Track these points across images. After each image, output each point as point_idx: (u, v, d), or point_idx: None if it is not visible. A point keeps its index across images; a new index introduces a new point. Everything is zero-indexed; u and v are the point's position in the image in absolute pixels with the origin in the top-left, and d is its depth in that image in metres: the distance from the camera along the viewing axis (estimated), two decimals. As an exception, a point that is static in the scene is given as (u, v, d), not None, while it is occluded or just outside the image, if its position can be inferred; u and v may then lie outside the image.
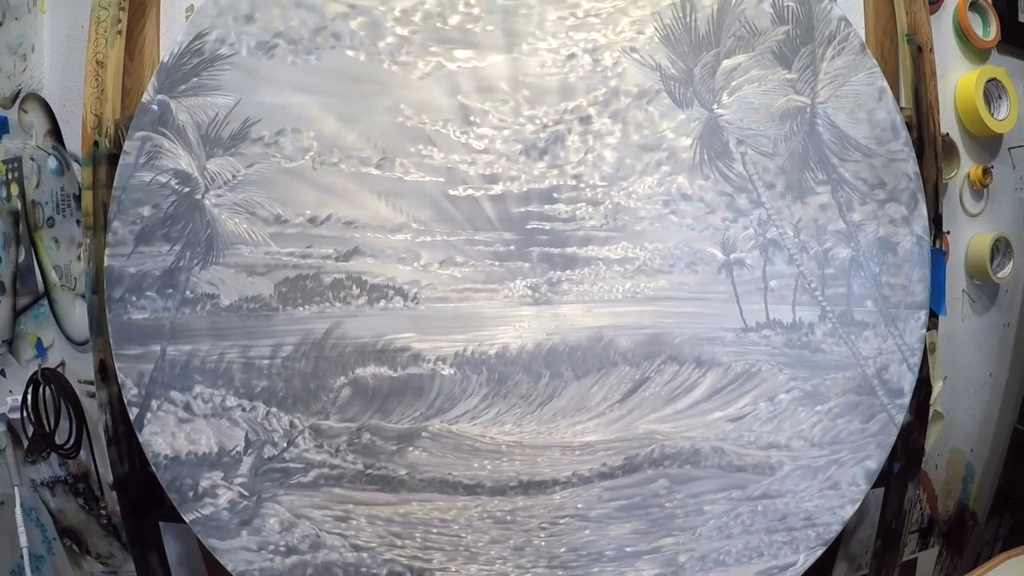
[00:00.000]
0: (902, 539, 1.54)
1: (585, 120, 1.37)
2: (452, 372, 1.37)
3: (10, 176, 1.63)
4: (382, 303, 1.36)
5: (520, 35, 1.36)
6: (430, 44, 1.35)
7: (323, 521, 1.37)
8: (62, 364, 1.66)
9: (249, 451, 1.36)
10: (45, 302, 1.66)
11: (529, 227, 1.37)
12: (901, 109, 1.44)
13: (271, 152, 1.34)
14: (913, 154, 1.41)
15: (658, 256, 1.38)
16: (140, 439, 1.35)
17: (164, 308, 1.34)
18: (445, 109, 1.35)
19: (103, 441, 1.42)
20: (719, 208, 1.39)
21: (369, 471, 1.37)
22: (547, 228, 1.37)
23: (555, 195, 1.37)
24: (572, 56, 1.36)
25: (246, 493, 1.36)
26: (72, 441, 1.60)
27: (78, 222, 1.59)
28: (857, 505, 1.42)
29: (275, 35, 1.34)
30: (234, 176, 1.34)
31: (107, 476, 1.58)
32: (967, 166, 1.80)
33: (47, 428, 1.60)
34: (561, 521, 1.38)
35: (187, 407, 1.35)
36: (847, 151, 1.40)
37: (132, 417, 1.34)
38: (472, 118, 1.36)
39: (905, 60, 1.51)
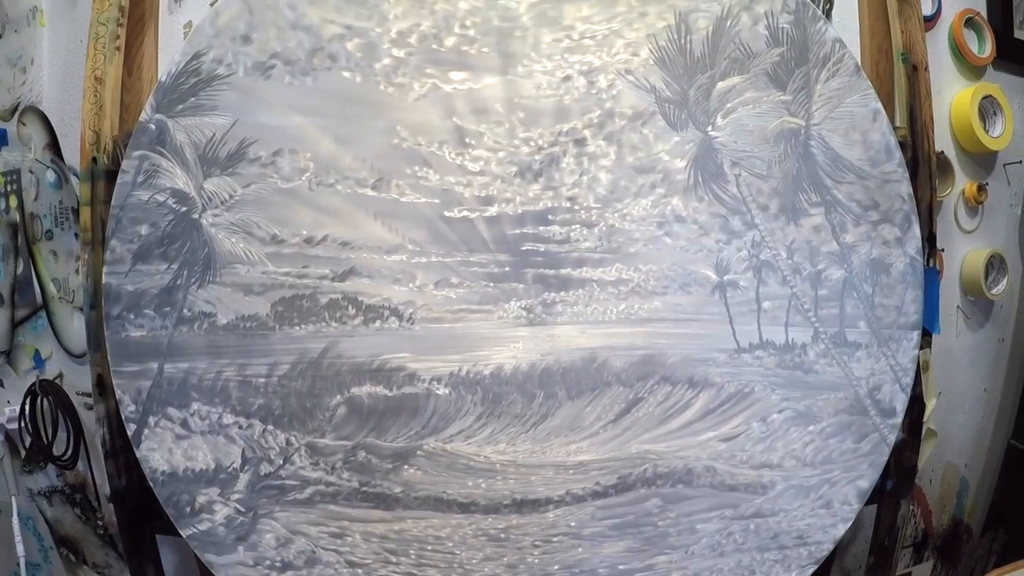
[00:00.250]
0: (895, 556, 1.55)
1: (580, 142, 1.37)
2: (447, 392, 1.37)
3: (9, 188, 1.64)
4: (378, 323, 1.36)
5: (515, 57, 1.36)
6: (426, 66, 1.35)
7: (319, 537, 1.38)
8: (60, 376, 1.67)
9: (246, 468, 1.37)
10: (43, 314, 1.67)
11: (524, 249, 1.37)
12: (896, 128, 1.44)
13: (268, 172, 1.34)
14: (907, 175, 1.42)
15: (652, 277, 1.39)
16: (138, 455, 1.35)
17: (162, 326, 1.34)
18: (440, 131, 1.36)
19: (100, 453, 1.43)
20: (713, 230, 1.39)
21: (364, 488, 1.37)
22: (542, 250, 1.37)
23: (550, 217, 1.37)
24: (567, 78, 1.36)
25: (242, 509, 1.37)
26: (70, 453, 1.61)
27: (76, 235, 1.60)
28: (849, 524, 1.42)
29: (272, 56, 1.34)
30: (231, 196, 1.34)
31: (104, 487, 1.59)
32: (962, 183, 1.80)
33: (45, 439, 1.61)
34: (555, 539, 1.39)
35: (184, 424, 1.36)
36: (841, 173, 1.40)
37: (130, 433, 1.35)
38: (467, 140, 1.36)
39: (900, 79, 1.51)
